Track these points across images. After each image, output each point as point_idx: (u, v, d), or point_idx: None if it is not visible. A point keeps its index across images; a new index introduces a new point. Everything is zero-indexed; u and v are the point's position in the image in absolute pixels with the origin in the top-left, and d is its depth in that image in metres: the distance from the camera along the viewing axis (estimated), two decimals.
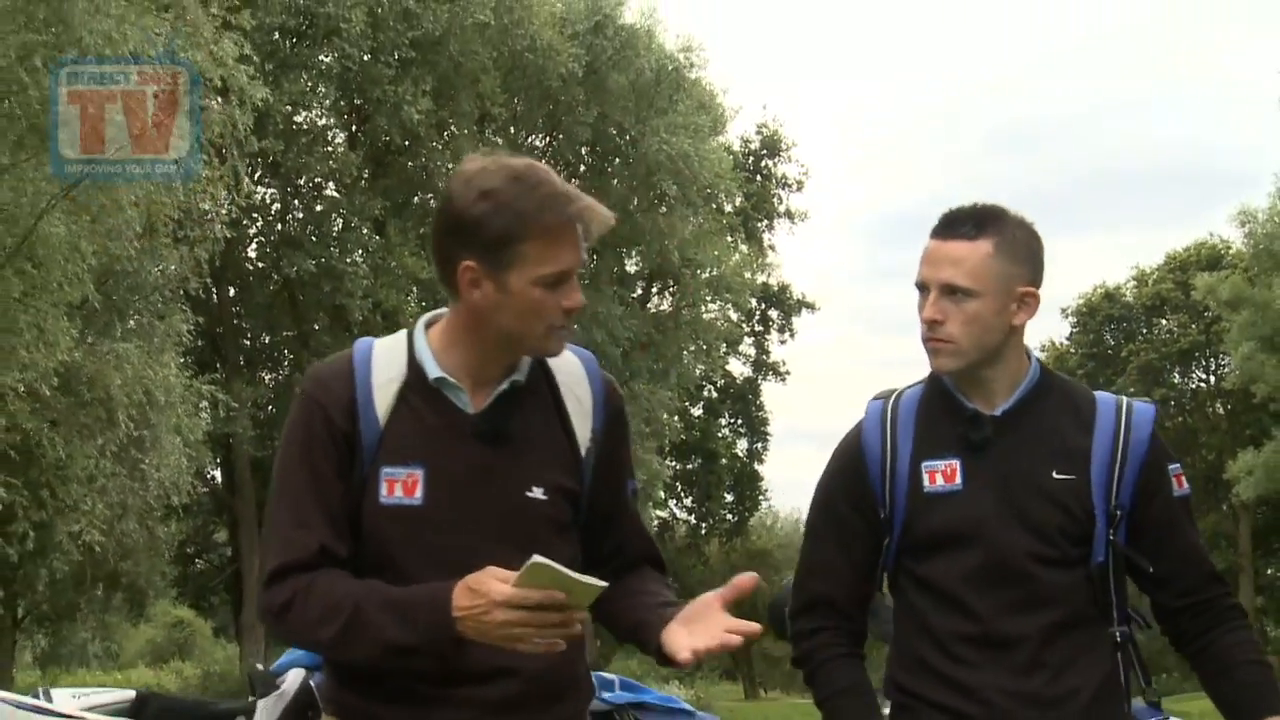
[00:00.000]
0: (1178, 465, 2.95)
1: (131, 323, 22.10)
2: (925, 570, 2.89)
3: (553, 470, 2.64)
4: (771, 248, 44.74)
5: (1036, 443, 2.87)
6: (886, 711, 3.01)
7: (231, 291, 30.89)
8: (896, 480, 2.91)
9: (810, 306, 47.19)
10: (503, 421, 2.62)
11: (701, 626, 2.46)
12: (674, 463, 43.40)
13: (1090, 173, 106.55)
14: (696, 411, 46.21)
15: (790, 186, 44.42)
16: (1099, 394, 2.97)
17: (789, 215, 44.30)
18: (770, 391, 53.59)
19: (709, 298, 37.87)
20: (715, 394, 47.30)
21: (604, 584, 2.34)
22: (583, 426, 2.69)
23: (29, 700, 3.12)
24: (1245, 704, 2.87)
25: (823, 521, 3.04)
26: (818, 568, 3.02)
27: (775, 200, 44.07)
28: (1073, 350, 50.45)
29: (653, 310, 38.04)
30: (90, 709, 3.16)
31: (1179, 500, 2.93)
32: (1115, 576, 2.89)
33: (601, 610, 2.64)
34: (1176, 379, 49.19)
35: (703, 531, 49.71)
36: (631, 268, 38.00)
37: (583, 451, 2.68)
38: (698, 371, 39.40)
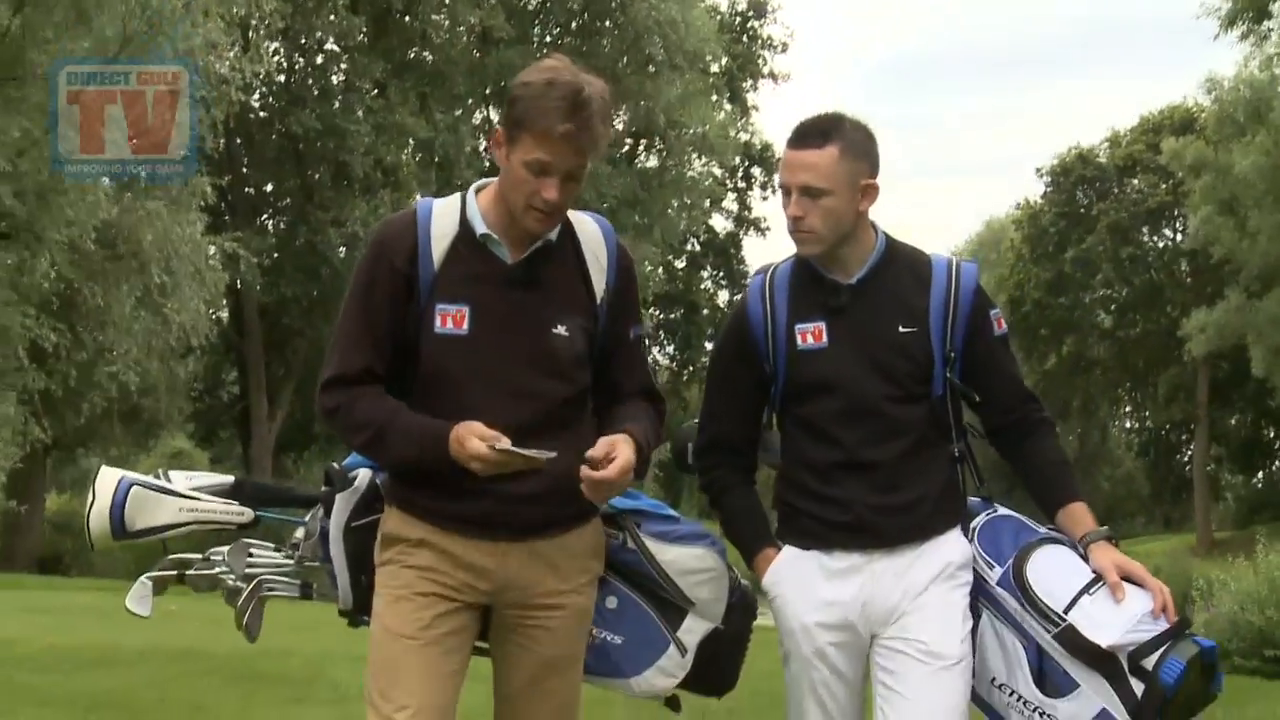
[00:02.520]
0: (997, 310, 3.41)
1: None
2: (802, 411, 3.34)
3: (573, 313, 3.07)
4: (755, 108, 45.16)
5: (884, 304, 3.30)
6: (775, 526, 3.46)
7: (238, 141, 31.71)
8: (776, 340, 3.32)
9: None
10: (535, 272, 3.04)
11: None
12: (658, 312, 44.37)
13: (1083, 19, 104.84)
14: (680, 264, 46.83)
15: (775, 48, 44.56)
16: (934, 256, 3.39)
17: (773, 76, 44.57)
18: (751, 245, 54.41)
19: (694, 156, 38.67)
20: (698, 248, 47.84)
21: (551, 454, 2.85)
22: (599, 280, 3.12)
23: (157, 480, 3.46)
24: (1050, 495, 3.35)
25: (718, 376, 3.52)
26: (715, 413, 3.50)
27: (760, 61, 44.23)
28: (1046, 209, 50.38)
29: (639, 168, 38.87)
30: (197, 489, 3.49)
31: (998, 339, 3.37)
32: (952, 405, 3.34)
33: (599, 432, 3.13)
34: (1145, 238, 49.51)
35: (684, 378, 50.77)
36: (619, 126, 38.39)
37: (598, 299, 3.11)
38: (681, 226, 40.21)
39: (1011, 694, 3.19)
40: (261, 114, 32.52)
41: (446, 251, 3.02)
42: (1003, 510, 3.39)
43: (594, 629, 3.27)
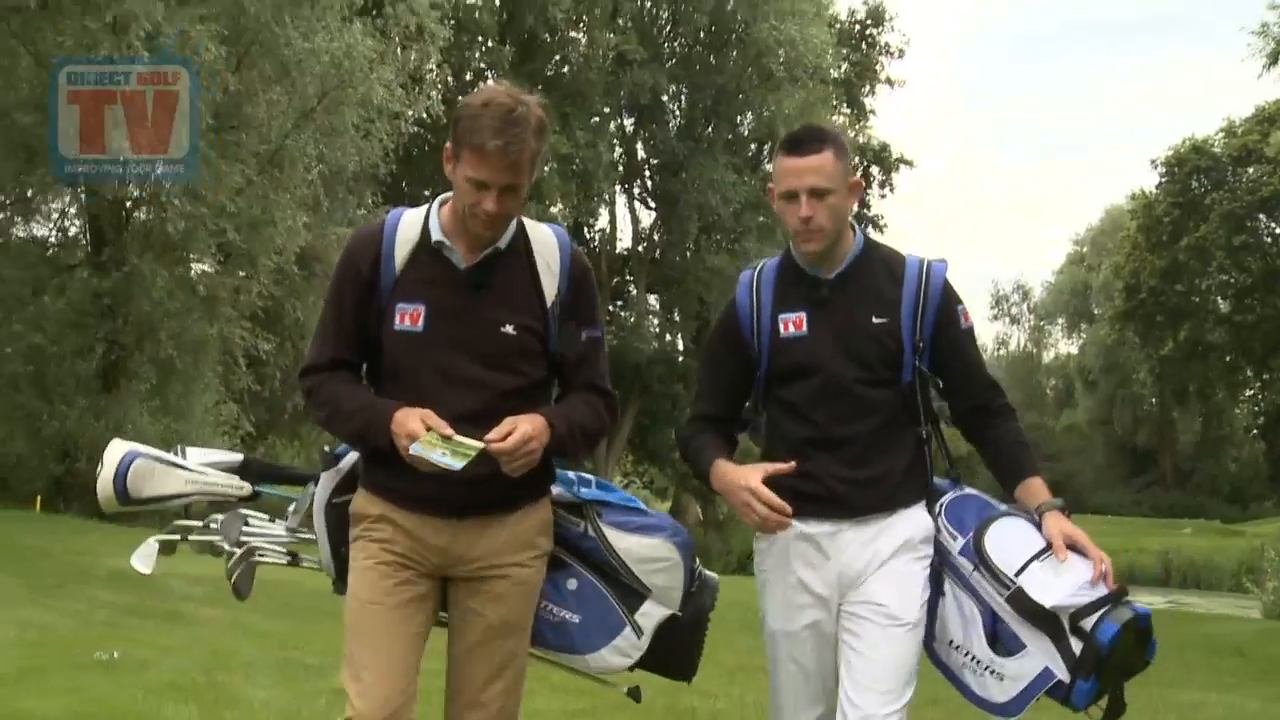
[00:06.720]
0: (964, 306, 3.54)
1: (324, 199, 26.34)
2: (782, 392, 3.53)
3: (521, 313, 3.24)
4: (872, 111, 46.36)
5: (861, 297, 3.48)
6: None
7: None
8: (761, 328, 3.52)
9: (908, 163, 47.88)
10: (486, 275, 3.22)
11: None
12: None
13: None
14: None
15: (892, 54, 45.92)
16: (908, 256, 3.55)
17: (889, 82, 45.89)
18: None
19: None
20: None
21: (480, 444, 3.04)
22: (550, 285, 3.29)
23: (168, 455, 3.59)
24: (1010, 473, 3.51)
25: (707, 360, 3.77)
26: (703, 393, 3.73)
27: (878, 68, 45.50)
28: (1160, 199, 50.71)
29: (763, 172, 40.42)
30: (208, 465, 3.64)
31: (964, 331, 3.53)
32: (920, 391, 3.50)
33: None
34: (1261, 225, 49.59)
35: None
36: (745, 131, 40.84)
37: (549, 303, 3.28)
38: None
39: (966, 654, 3.35)
40: (415, 129, 35.39)
41: (408, 257, 3.23)
42: (969, 489, 3.57)
43: (554, 608, 3.48)
